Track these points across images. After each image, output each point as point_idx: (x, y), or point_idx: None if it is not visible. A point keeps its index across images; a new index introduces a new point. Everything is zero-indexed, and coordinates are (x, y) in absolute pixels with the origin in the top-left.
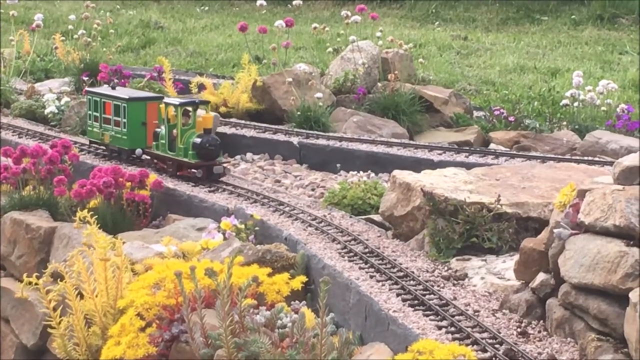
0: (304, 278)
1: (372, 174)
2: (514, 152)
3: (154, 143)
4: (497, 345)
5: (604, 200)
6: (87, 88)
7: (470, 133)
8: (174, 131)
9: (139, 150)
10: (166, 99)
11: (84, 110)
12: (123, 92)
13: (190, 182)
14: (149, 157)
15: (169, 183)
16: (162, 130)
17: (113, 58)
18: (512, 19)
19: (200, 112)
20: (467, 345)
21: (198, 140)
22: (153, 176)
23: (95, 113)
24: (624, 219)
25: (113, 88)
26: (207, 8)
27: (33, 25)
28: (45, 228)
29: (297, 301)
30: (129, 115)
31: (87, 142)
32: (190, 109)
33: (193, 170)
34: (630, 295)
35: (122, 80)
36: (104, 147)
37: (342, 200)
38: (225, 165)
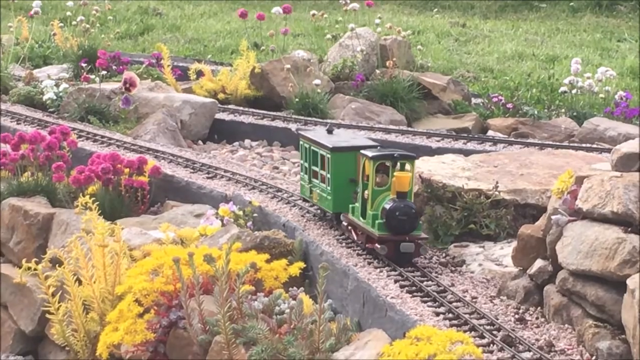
0: (302, 264)
1: None
2: (512, 139)
3: (351, 206)
4: (494, 332)
5: (602, 187)
6: (299, 131)
7: (468, 120)
8: (366, 192)
9: (343, 216)
10: (362, 150)
11: (82, 96)
12: (334, 139)
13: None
14: (345, 224)
15: (167, 169)
16: (359, 189)
17: (111, 45)
18: (511, 6)
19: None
20: (464, 331)
21: (387, 206)
22: (151, 162)
23: (305, 163)
24: (622, 206)
25: (330, 132)
26: None
27: (32, 11)
28: (43, 214)
29: (295, 287)
30: (333, 169)
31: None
32: (388, 163)
33: (376, 245)
34: (628, 281)
35: (121, 67)
36: (317, 207)
37: None
38: (421, 241)
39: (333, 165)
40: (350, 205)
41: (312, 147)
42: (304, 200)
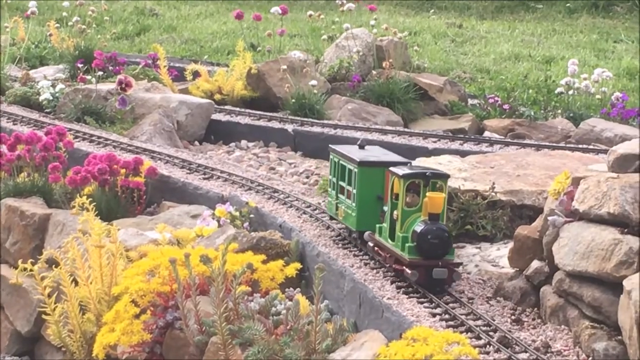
0: (298, 265)
1: None
2: (509, 140)
3: (378, 226)
4: (491, 333)
5: (599, 188)
6: (330, 145)
7: (464, 121)
8: (395, 212)
9: (366, 234)
10: (392, 167)
11: (78, 97)
12: (363, 154)
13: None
14: (371, 245)
15: (164, 170)
16: (388, 209)
17: (108, 45)
18: (507, 7)
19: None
20: (461, 332)
21: (418, 228)
22: (147, 163)
23: (333, 178)
24: (618, 207)
25: (361, 147)
26: None
27: (28, 12)
28: (39, 215)
29: (291, 288)
30: (360, 185)
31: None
32: (419, 182)
33: (406, 269)
34: (624, 282)
35: (117, 68)
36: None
37: None
38: (455, 267)
39: (360, 180)
40: (378, 225)
41: (340, 162)
42: (332, 218)
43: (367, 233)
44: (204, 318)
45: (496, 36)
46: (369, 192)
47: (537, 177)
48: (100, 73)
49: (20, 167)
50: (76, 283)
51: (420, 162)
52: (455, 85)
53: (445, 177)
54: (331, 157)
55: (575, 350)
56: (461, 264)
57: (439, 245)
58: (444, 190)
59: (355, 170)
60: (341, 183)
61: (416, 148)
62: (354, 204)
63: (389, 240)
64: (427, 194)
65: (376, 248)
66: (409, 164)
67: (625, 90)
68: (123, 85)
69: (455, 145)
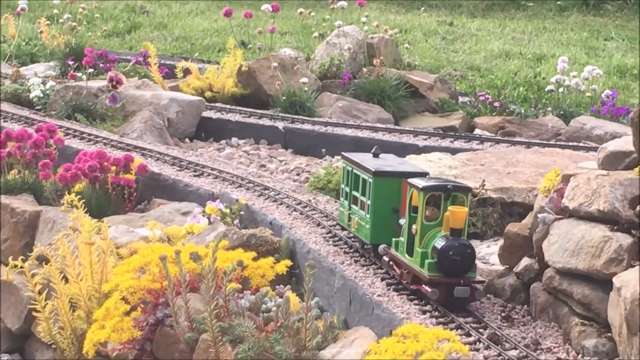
0: (288, 262)
1: None
2: (499, 138)
3: (394, 240)
4: (481, 330)
5: (588, 185)
6: (343, 152)
7: (455, 118)
8: (414, 226)
9: (381, 248)
10: (411, 179)
11: (69, 94)
12: (378, 163)
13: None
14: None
15: (154, 167)
16: (405, 222)
17: (98, 42)
18: (498, 5)
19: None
20: (451, 329)
21: (439, 244)
22: (138, 160)
23: (346, 188)
24: (608, 204)
25: (376, 155)
26: None
27: (18, 9)
28: (30, 212)
29: (281, 285)
30: (374, 196)
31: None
32: (440, 195)
33: (426, 287)
34: (614, 280)
35: (108, 65)
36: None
37: (327, 185)
38: (477, 284)
39: (374, 190)
40: (394, 239)
41: (354, 170)
42: (343, 229)
43: (382, 246)
44: (194, 315)
45: (487, 34)
46: (384, 203)
47: (528, 175)
48: (91, 70)
49: (10, 164)
50: (66, 280)
51: (411, 159)
52: (445, 82)
53: (467, 190)
54: (343, 165)
55: (565, 347)
56: (484, 282)
57: (461, 262)
58: (466, 203)
59: (370, 180)
60: (354, 193)
61: (407, 145)
62: (367, 216)
63: (407, 256)
64: (449, 207)
65: (392, 263)
66: (427, 175)
67: (616, 88)
68: (114, 83)
69: (446, 142)
